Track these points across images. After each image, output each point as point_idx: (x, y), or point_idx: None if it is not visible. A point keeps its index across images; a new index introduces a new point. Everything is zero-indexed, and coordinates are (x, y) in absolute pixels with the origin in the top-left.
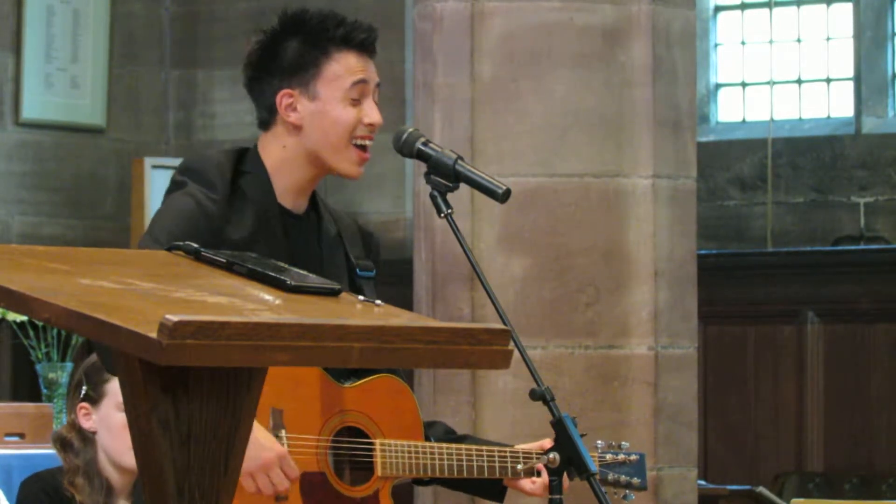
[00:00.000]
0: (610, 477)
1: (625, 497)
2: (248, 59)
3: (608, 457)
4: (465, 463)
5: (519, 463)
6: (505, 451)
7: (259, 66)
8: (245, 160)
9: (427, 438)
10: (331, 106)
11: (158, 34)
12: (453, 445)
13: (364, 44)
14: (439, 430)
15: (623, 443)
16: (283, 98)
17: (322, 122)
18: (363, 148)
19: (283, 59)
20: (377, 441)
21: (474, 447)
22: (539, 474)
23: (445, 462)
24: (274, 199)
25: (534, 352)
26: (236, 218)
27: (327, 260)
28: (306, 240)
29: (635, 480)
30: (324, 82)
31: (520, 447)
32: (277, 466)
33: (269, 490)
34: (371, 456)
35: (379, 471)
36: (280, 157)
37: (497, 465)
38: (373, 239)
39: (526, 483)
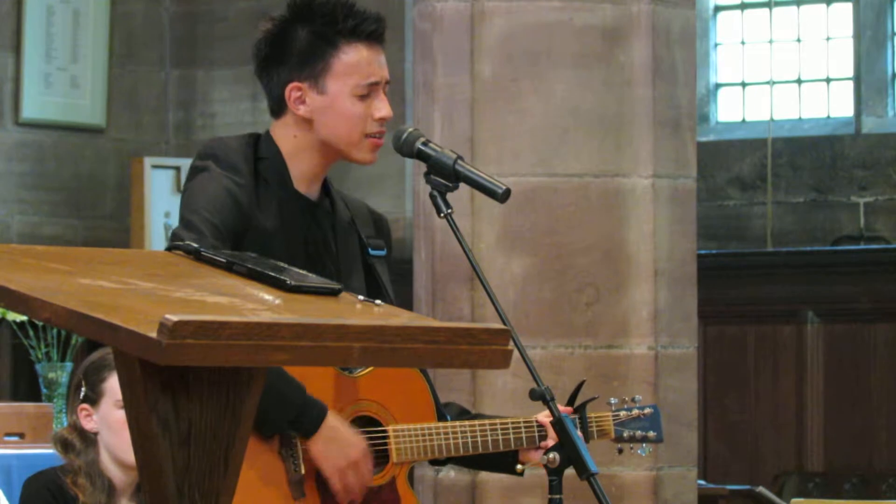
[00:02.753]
0: (626, 434)
1: (641, 451)
2: (257, 47)
3: (622, 414)
4: (479, 439)
5: (533, 431)
6: (518, 421)
7: (268, 54)
8: (260, 146)
9: (444, 417)
10: (340, 101)
11: (158, 34)
12: (466, 423)
13: (373, 35)
14: (454, 410)
15: (636, 396)
16: (291, 91)
17: (332, 117)
18: (376, 136)
19: (293, 50)
20: (390, 427)
21: (487, 422)
22: (545, 438)
23: (460, 440)
24: (291, 186)
25: (534, 352)
26: (264, 205)
27: (342, 246)
28: (322, 226)
29: (651, 434)
30: (333, 77)
31: (535, 417)
32: (363, 462)
33: (356, 487)
34: (385, 443)
35: (394, 457)
36: (292, 145)
37: (511, 436)
38: (383, 221)
39: (535, 454)
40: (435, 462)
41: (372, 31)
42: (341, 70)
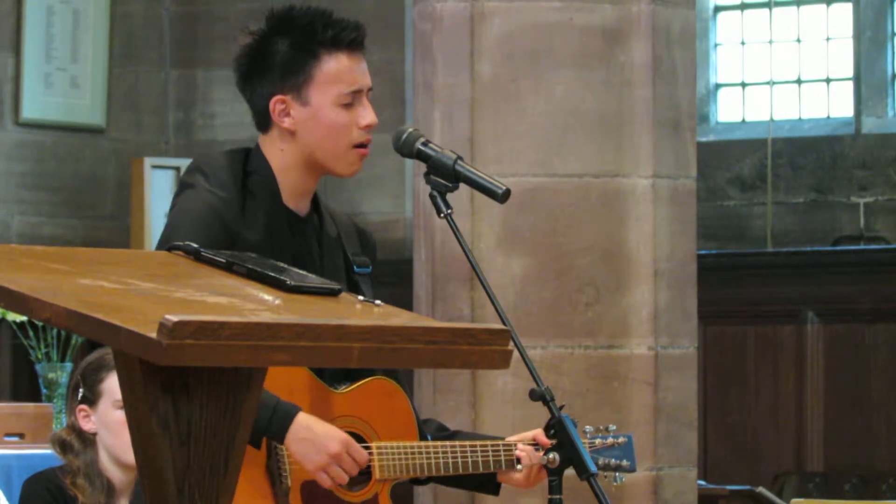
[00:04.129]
0: (600, 461)
1: (615, 480)
2: (238, 62)
3: (597, 441)
4: (459, 460)
5: (511, 454)
6: (498, 444)
7: (249, 69)
8: (250, 161)
9: (424, 436)
10: (324, 112)
11: (158, 34)
12: (447, 443)
13: (353, 43)
14: (432, 427)
15: (610, 426)
16: (275, 104)
17: (317, 128)
18: (362, 146)
19: (274, 63)
20: (373, 444)
21: (468, 443)
22: (519, 462)
23: (441, 461)
24: (280, 201)
25: (534, 352)
26: (250, 218)
27: (328, 264)
28: (308, 241)
29: (624, 463)
30: (315, 88)
31: (511, 439)
32: (345, 453)
33: (344, 479)
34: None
35: (377, 473)
36: (280, 159)
37: (491, 458)
38: (369, 237)
39: (514, 475)
40: (416, 481)
41: (352, 40)
42: (324, 80)
